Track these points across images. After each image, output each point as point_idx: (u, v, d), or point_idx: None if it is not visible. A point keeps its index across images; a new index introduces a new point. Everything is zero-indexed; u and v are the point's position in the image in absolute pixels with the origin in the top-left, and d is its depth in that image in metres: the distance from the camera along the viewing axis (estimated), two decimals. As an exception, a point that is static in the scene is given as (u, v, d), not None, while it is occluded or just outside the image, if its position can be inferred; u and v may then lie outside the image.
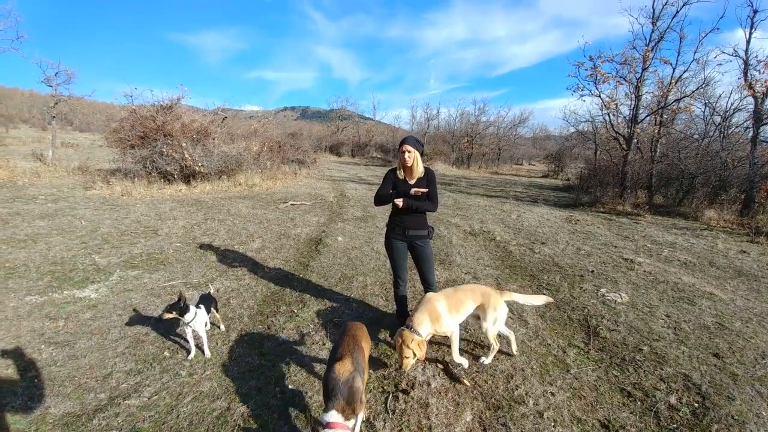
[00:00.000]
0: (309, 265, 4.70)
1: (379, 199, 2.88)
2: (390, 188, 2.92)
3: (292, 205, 8.67)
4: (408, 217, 2.90)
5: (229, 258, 4.82)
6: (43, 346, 2.69)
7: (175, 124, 10.12)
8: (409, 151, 2.70)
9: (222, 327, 3.07)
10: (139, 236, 5.52)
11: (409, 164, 2.75)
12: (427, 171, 2.85)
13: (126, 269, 4.23)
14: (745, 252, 5.98)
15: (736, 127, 11.17)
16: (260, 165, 12.59)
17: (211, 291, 3.19)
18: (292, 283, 4.14)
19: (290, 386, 2.37)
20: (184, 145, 9.96)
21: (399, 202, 2.72)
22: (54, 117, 13.28)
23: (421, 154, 2.80)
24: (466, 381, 2.45)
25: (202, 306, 2.74)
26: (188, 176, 10.20)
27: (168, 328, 3.02)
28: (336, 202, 9.51)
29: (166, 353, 2.70)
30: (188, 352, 2.68)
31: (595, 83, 11.19)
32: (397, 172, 2.84)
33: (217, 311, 3.05)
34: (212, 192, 9.85)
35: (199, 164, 10.09)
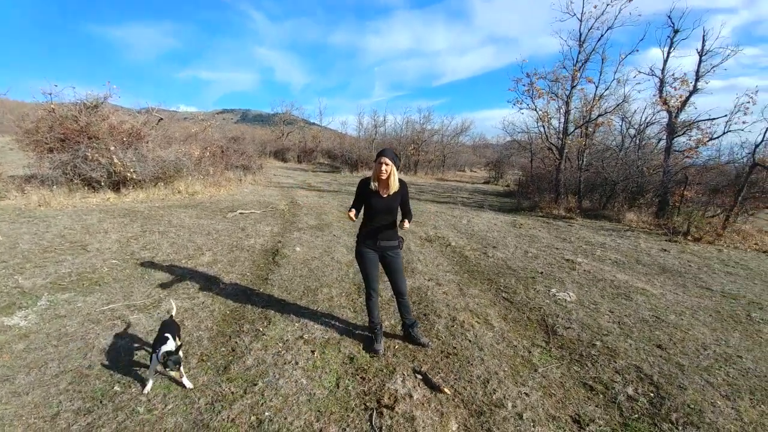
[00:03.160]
0: (268, 279, 4.46)
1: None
2: (362, 201, 2.89)
3: (240, 214, 8.20)
4: (379, 228, 2.89)
5: (176, 274, 4.42)
6: (-19, 382, 2.25)
7: (101, 126, 9.11)
8: (387, 164, 2.68)
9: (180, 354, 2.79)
10: (65, 253, 4.84)
11: (384, 177, 2.72)
12: (402, 184, 2.86)
13: (55, 292, 3.68)
14: (665, 250, 6.84)
15: (650, 138, 12.81)
16: (202, 171, 11.77)
17: (173, 314, 2.88)
18: (252, 298, 3.90)
19: (267, 413, 2.22)
20: (112, 148, 9.00)
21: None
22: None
23: (398, 168, 2.79)
24: (446, 389, 2.48)
25: (169, 336, 2.45)
26: (117, 183, 9.21)
27: (114, 359, 2.68)
28: (288, 210, 9.19)
29: (117, 388, 2.39)
30: (143, 385, 2.39)
31: (531, 98, 12.17)
32: (371, 183, 2.81)
33: (179, 338, 2.76)
34: (147, 201, 8.98)
35: (131, 170, 9.17)
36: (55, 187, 8.28)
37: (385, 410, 2.28)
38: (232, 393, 2.39)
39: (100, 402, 2.25)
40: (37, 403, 2.20)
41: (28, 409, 2.16)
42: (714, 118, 10.20)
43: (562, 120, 12.11)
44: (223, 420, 2.15)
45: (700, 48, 10.10)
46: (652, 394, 2.54)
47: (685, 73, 10.41)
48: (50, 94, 9.41)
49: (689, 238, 7.84)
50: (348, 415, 2.23)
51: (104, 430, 2.03)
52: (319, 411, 2.26)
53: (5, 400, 2.22)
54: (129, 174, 9.08)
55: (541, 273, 5.22)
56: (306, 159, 30.77)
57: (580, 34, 11.23)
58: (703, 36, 10.01)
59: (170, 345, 2.37)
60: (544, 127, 12.55)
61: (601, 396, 2.53)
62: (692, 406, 2.45)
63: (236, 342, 3.02)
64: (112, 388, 2.39)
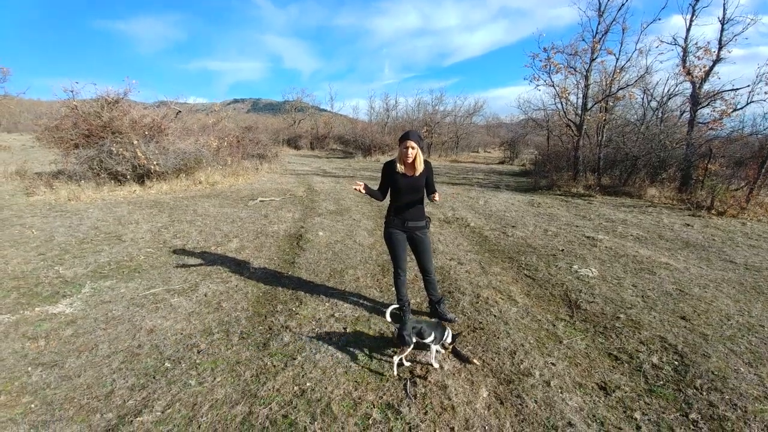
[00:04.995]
0: (295, 262, 4.63)
1: (380, 195, 3.06)
2: (388, 182, 2.97)
3: (261, 201, 8.41)
4: (407, 209, 2.98)
5: (208, 260, 4.63)
6: (30, 369, 2.47)
7: (123, 120, 9.36)
8: (412, 147, 2.75)
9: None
10: (102, 243, 5.11)
11: (410, 160, 2.80)
12: (427, 164, 2.93)
13: (97, 280, 3.93)
14: (689, 225, 6.73)
15: (672, 111, 12.35)
16: (220, 161, 12.02)
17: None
18: (282, 281, 4.08)
19: (308, 383, 2.38)
20: (135, 142, 9.26)
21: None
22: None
23: (422, 149, 2.85)
24: (475, 360, 2.60)
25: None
26: (142, 176, 9.52)
27: (162, 338, 2.89)
28: (306, 196, 9.35)
29: (167, 364, 2.59)
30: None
31: (549, 74, 11.85)
32: (397, 166, 2.88)
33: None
34: (170, 192, 9.28)
35: (154, 163, 9.44)
36: (83, 181, 8.63)
37: (418, 380, 2.42)
38: (274, 366, 2.56)
39: (153, 377, 2.45)
40: (89, 384, 2.36)
41: (80, 391, 2.28)
42: (737, 89, 9.78)
43: (581, 95, 11.79)
44: (269, 390, 2.32)
45: (721, 16, 9.62)
46: (676, 363, 2.60)
47: (708, 42, 9.95)
48: (71, 91, 9.68)
49: (713, 212, 7.67)
50: (383, 385, 2.38)
51: (160, 402, 2.22)
52: (356, 381, 2.41)
53: (54, 385, 2.34)
54: (152, 167, 9.36)
55: (562, 250, 5.24)
56: (319, 146, 30.85)
57: (600, 4, 10.80)
58: (724, 3, 9.54)
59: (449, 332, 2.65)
60: (561, 103, 12.25)
61: (626, 365, 2.60)
62: (716, 372, 2.51)
63: (272, 321, 3.19)
64: (163, 364, 2.59)
